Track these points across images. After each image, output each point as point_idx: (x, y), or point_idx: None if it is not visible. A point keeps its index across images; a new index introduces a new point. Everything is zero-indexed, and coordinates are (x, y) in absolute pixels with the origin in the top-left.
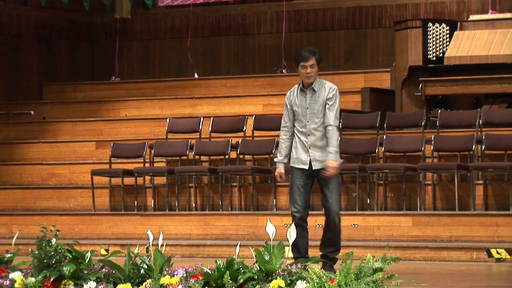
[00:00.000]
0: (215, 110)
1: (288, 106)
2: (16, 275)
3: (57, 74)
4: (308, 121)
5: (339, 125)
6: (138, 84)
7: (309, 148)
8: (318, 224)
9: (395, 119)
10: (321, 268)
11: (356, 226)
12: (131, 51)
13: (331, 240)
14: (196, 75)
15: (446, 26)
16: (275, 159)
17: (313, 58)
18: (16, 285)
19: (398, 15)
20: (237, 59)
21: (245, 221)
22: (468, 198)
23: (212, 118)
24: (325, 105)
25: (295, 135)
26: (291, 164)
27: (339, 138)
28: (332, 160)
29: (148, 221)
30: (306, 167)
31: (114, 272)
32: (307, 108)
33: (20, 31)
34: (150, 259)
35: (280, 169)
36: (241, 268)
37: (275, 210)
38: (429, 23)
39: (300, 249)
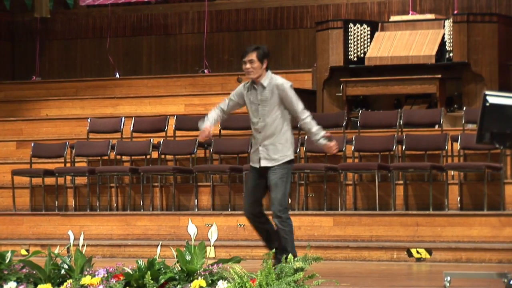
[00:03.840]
0: (136, 110)
1: (235, 97)
2: None
3: None
4: (260, 118)
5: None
6: (59, 83)
7: (260, 145)
8: (239, 224)
9: (316, 119)
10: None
11: None
12: (52, 50)
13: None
14: (117, 75)
15: (367, 27)
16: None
17: (253, 54)
18: None
19: (320, 16)
20: (158, 59)
21: (167, 221)
22: (389, 198)
23: (133, 118)
24: (281, 103)
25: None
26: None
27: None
28: (326, 142)
29: (69, 221)
30: (257, 165)
31: (34, 272)
32: (258, 105)
33: None
34: (71, 259)
35: (207, 125)
36: (162, 268)
37: (196, 210)
38: (350, 23)
39: (269, 240)
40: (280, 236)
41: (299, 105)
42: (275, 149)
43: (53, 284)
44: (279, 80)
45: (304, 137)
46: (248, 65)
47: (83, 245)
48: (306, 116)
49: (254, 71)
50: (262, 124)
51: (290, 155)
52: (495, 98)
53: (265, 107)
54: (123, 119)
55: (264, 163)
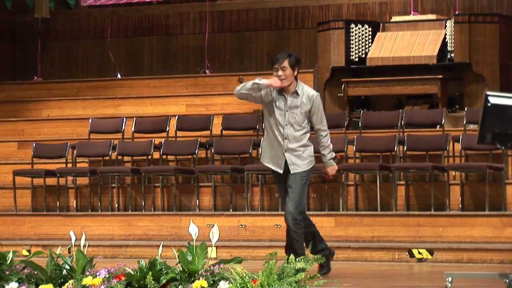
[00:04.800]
0: (138, 110)
1: (263, 92)
2: None
3: None
4: (287, 125)
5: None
6: (60, 84)
7: (285, 151)
8: (241, 225)
9: None
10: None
11: (279, 226)
12: (54, 51)
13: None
14: (118, 75)
15: (369, 27)
16: (257, 81)
17: (285, 60)
18: None
19: (321, 16)
20: (160, 59)
21: (168, 222)
22: (390, 199)
23: (135, 118)
24: (308, 112)
25: (270, 132)
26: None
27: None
28: (332, 165)
29: (71, 221)
30: (281, 170)
31: (36, 273)
32: (287, 111)
33: None
34: (72, 259)
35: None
36: (163, 269)
37: (197, 210)
38: (352, 24)
39: (307, 243)
40: (291, 238)
41: (323, 118)
42: (301, 156)
43: (55, 285)
44: (311, 91)
45: None
46: (280, 72)
47: (84, 246)
48: (326, 132)
49: (286, 79)
50: (289, 131)
51: (313, 160)
52: (496, 98)
53: (295, 114)
54: (124, 119)
55: (293, 169)
